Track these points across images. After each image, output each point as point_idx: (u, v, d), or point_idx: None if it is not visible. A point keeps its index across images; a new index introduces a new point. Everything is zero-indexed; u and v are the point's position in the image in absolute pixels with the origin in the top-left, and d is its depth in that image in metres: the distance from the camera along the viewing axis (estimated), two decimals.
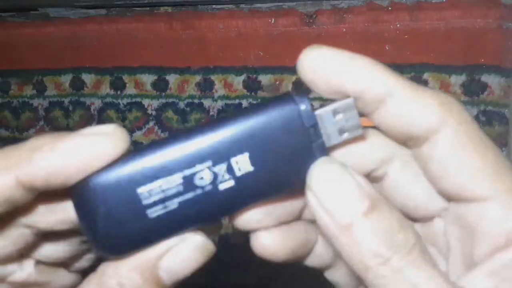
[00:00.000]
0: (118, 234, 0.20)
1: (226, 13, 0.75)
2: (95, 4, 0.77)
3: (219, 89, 0.77)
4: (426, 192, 0.22)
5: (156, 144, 0.20)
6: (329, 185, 0.20)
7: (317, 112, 0.20)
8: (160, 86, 0.79)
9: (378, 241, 0.19)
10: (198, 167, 0.20)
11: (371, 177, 0.22)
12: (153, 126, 0.80)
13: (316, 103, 0.21)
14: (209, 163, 0.20)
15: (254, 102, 0.75)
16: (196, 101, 0.78)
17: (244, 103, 0.76)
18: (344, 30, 0.71)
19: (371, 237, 0.19)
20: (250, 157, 0.20)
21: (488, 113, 0.66)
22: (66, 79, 0.83)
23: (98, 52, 0.81)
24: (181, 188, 0.20)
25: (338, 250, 0.20)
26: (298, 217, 0.24)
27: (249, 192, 0.20)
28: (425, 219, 0.23)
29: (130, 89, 0.80)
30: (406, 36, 0.69)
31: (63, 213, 0.22)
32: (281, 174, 0.20)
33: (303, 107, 0.20)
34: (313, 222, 0.24)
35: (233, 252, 0.67)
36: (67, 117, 0.84)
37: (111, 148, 0.19)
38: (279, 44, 0.74)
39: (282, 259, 0.23)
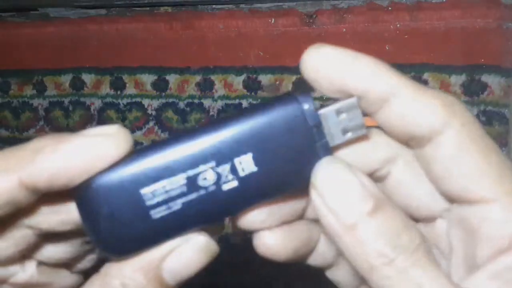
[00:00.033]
0: (121, 235, 0.20)
1: (226, 13, 0.75)
2: (95, 4, 0.77)
3: (219, 89, 0.77)
4: (429, 193, 0.21)
5: (159, 145, 0.20)
6: (334, 184, 0.20)
7: (321, 111, 0.20)
8: (160, 86, 0.79)
9: (382, 241, 0.19)
10: (201, 167, 0.20)
11: (374, 177, 0.22)
12: (153, 126, 0.80)
13: (315, 103, 0.21)
14: (212, 163, 0.20)
15: (254, 102, 0.75)
16: (196, 101, 0.78)
17: (244, 103, 0.76)
18: (344, 30, 0.71)
19: (375, 237, 0.19)
20: (254, 157, 0.20)
21: (488, 113, 0.66)
22: (66, 79, 0.83)
23: (98, 52, 0.81)
24: (184, 188, 0.20)
25: (341, 249, 0.19)
26: (300, 217, 0.24)
27: (252, 193, 0.20)
28: (428, 220, 0.23)
29: (130, 89, 0.80)
30: (406, 36, 0.69)
31: (65, 214, 0.22)
32: (285, 174, 0.20)
33: (306, 106, 0.20)
34: (315, 221, 0.24)
35: (233, 252, 0.67)
36: (67, 117, 0.84)
37: (114, 149, 0.19)
38: (279, 44, 0.74)
39: (285, 258, 0.23)
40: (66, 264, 0.25)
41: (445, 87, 0.67)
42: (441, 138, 0.19)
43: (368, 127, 0.21)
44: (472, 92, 0.66)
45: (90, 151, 0.19)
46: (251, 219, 0.22)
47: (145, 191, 0.19)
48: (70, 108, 0.83)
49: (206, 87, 0.77)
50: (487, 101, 0.66)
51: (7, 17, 0.84)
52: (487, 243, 0.19)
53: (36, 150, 0.19)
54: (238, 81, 0.76)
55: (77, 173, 0.19)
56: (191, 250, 0.21)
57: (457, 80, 0.67)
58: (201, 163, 0.20)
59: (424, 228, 0.23)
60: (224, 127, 0.20)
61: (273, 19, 0.74)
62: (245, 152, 0.20)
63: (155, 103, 0.79)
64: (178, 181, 0.19)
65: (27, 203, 0.20)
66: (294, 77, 0.73)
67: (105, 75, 0.81)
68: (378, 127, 0.21)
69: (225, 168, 0.20)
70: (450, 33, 0.67)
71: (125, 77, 0.80)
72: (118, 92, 0.81)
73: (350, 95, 0.20)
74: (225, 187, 0.20)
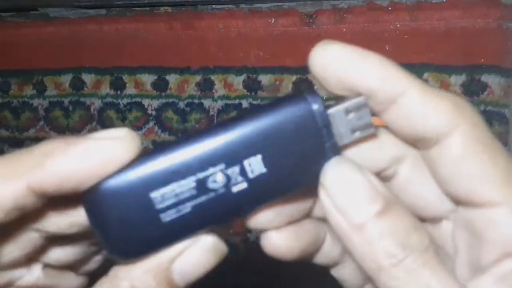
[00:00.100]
0: (131, 238, 0.20)
1: (226, 13, 0.75)
2: (95, 4, 0.77)
3: (219, 89, 0.77)
4: (435, 193, 0.21)
5: (168, 147, 0.19)
6: (343, 184, 0.19)
7: (330, 111, 0.20)
8: (160, 86, 0.79)
9: (391, 241, 0.18)
10: (211, 170, 0.19)
11: (381, 176, 0.22)
12: (153, 126, 0.79)
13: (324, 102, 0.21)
14: (222, 165, 0.19)
15: (254, 102, 0.75)
16: (196, 101, 0.77)
17: (244, 103, 0.75)
18: (344, 30, 0.71)
19: (384, 237, 0.19)
20: (263, 159, 0.20)
21: (488, 113, 0.66)
22: (66, 79, 0.83)
23: (98, 52, 0.81)
24: (194, 191, 0.19)
25: (349, 249, 0.19)
26: (307, 215, 0.24)
27: (261, 194, 0.20)
28: (434, 220, 0.22)
29: (130, 89, 0.80)
30: (406, 36, 0.69)
31: (72, 217, 0.21)
32: (294, 174, 0.20)
33: (316, 106, 0.20)
34: (322, 220, 0.24)
35: (233, 252, 0.67)
36: (67, 117, 0.84)
37: (123, 152, 0.19)
38: (279, 44, 0.74)
39: (292, 257, 0.23)
40: (72, 266, 0.25)
41: (445, 87, 0.67)
42: (448, 140, 0.19)
43: (376, 127, 0.21)
44: (472, 92, 0.67)
45: (99, 155, 0.19)
46: (259, 219, 0.22)
47: (155, 194, 0.19)
48: (70, 108, 0.83)
49: (206, 87, 0.77)
50: (487, 101, 0.66)
51: (7, 17, 0.83)
52: (492, 246, 0.19)
53: (44, 154, 0.19)
54: (238, 81, 0.76)
55: (87, 177, 0.19)
56: (200, 251, 0.21)
57: (457, 80, 0.67)
58: (210, 165, 0.19)
59: (429, 229, 0.23)
60: (233, 128, 0.20)
61: (273, 19, 0.74)
62: (254, 154, 0.20)
63: (155, 103, 0.79)
64: (187, 184, 0.19)
65: (34, 207, 0.20)
66: (294, 77, 0.73)
67: (105, 75, 0.81)
68: (385, 126, 0.21)
69: (234, 170, 0.20)
70: (450, 33, 0.67)
71: (125, 77, 0.80)
72: (118, 92, 0.81)
73: (357, 94, 0.20)
74: (235, 189, 0.20)
